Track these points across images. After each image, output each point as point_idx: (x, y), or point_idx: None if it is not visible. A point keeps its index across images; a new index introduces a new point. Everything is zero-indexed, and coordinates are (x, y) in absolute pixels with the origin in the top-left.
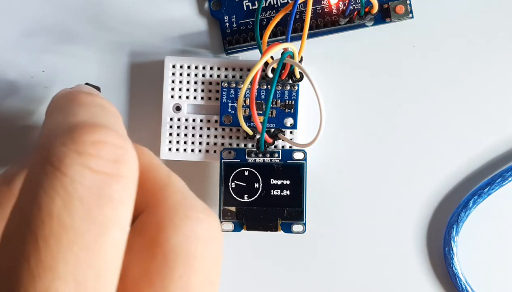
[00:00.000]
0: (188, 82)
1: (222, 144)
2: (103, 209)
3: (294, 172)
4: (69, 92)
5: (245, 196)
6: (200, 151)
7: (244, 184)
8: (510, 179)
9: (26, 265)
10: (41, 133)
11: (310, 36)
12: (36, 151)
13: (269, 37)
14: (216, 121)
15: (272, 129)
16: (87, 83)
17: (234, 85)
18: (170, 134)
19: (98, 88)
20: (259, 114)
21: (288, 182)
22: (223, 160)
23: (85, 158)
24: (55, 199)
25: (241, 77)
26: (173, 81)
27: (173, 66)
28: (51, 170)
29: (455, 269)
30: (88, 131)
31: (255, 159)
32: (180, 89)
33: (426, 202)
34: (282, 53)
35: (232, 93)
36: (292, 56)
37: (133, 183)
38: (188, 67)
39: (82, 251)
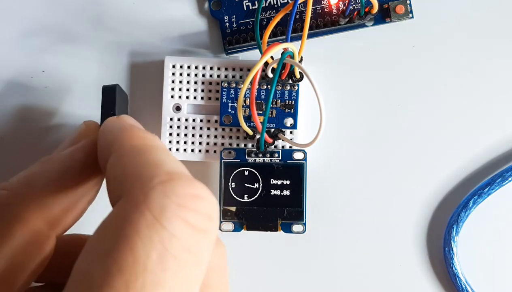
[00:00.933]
0: (188, 82)
1: (222, 144)
2: (194, 268)
3: (294, 172)
4: (133, 131)
5: (245, 196)
6: (200, 151)
7: (244, 184)
8: (510, 179)
9: None
10: (125, 173)
11: (310, 36)
12: (128, 192)
13: (269, 37)
14: (216, 121)
15: (272, 129)
16: (117, 85)
17: (234, 85)
18: (170, 134)
19: (127, 97)
20: (259, 114)
21: (288, 182)
22: (223, 160)
23: (186, 211)
24: (151, 251)
25: (241, 77)
26: (173, 81)
27: (173, 66)
28: (150, 219)
29: (455, 269)
30: (190, 184)
31: (255, 159)
32: (180, 89)
33: (426, 202)
34: (282, 53)
35: (232, 93)
36: (292, 56)
37: (214, 240)
38: (188, 67)
39: None
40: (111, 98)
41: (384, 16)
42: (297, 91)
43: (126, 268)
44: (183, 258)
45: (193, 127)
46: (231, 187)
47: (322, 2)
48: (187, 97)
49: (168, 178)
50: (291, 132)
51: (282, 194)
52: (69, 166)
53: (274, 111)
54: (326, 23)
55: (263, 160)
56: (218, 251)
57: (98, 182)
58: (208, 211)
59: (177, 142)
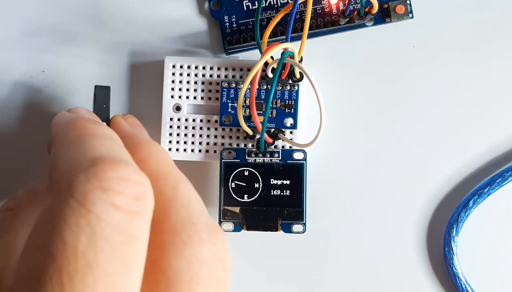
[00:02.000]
0: (188, 82)
1: (222, 144)
2: (127, 248)
3: (294, 172)
4: (75, 122)
5: (245, 196)
6: (200, 151)
7: (244, 184)
8: (510, 179)
9: None
10: (56, 166)
11: (310, 36)
12: (56, 185)
13: (269, 37)
14: (216, 121)
15: (272, 129)
16: (97, 86)
17: (234, 85)
18: (170, 134)
19: (108, 88)
20: (259, 114)
21: (288, 182)
22: (223, 160)
23: (110, 194)
24: (80, 236)
25: (241, 77)
26: (173, 81)
27: (173, 66)
28: (75, 206)
29: (455, 269)
30: (112, 167)
31: (255, 159)
32: (180, 89)
33: (426, 202)
34: (282, 53)
35: (232, 93)
36: (292, 56)
37: (150, 219)
38: (188, 67)
39: (108, 290)
40: (105, 98)
41: (384, 16)
42: (297, 91)
43: (57, 254)
44: (114, 239)
45: (193, 127)
46: (231, 187)
47: (322, 2)
48: (187, 97)
49: (91, 164)
50: (291, 132)
51: (282, 194)
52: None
53: (274, 111)
54: (326, 23)
55: (263, 160)
56: (212, 241)
57: None
58: (135, 192)
59: (177, 142)
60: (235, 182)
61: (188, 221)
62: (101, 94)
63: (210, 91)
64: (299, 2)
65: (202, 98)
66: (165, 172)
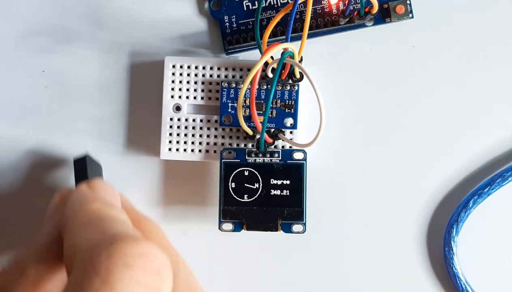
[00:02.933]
0: (188, 82)
1: (222, 144)
2: None
3: (294, 172)
4: (90, 205)
5: (245, 196)
6: (200, 151)
7: (244, 184)
8: (510, 179)
9: None
10: (75, 246)
11: (310, 36)
12: (77, 264)
13: (269, 37)
14: (216, 121)
15: (272, 129)
16: (87, 156)
17: (234, 85)
18: (170, 134)
19: (99, 165)
20: (259, 114)
21: (288, 182)
22: (223, 160)
23: (133, 270)
24: None
25: (241, 77)
26: (173, 81)
27: (173, 66)
28: (99, 283)
29: (455, 269)
30: (133, 243)
31: (255, 159)
32: (180, 89)
33: (426, 202)
34: (282, 53)
35: (232, 93)
36: (292, 56)
37: None
38: (188, 67)
39: None
40: (83, 169)
41: (384, 16)
42: (297, 91)
43: None
44: None
45: (193, 127)
46: (231, 187)
47: (322, 2)
48: (187, 97)
49: (113, 241)
50: (291, 132)
51: (282, 194)
52: (51, 242)
53: (274, 111)
54: (326, 23)
55: (263, 160)
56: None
57: None
58: (156, 267)
59: (177, 142)
60: (235, 182)
61: None
62: (79, 167)
63: (210, 91)
64: (299, 2)
65: (202, 98)
66: (166, 247)
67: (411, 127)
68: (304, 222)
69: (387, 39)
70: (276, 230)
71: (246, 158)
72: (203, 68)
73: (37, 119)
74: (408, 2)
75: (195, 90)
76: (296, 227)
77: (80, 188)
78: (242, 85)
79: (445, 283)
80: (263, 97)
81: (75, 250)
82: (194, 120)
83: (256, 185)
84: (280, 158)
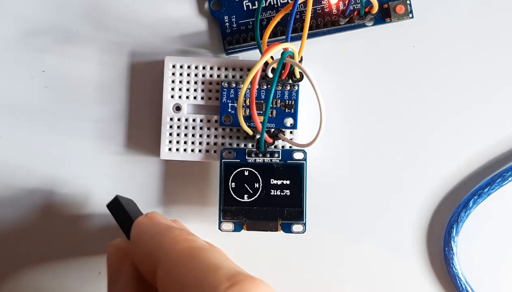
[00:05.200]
0: (188, 82)
1: (222, 144)
2: None
3: (294, 172)
4: (173, 233)
5: (245, 196)
6: (200, 151)
7: (244, 184)
8: (510, 179)
9: None
10: (183, 287)
11: (310, 36)
12: None
13: (269, 37)
14: (216, 121)
15: (272, 129)
16: (117, 196)
17: (234, 85)
18: (170, 134)
19: (131, 200)
20: (259, 114)
21: (288, 182)
22: (223, 160)
23: None
24: None
25: (241, 77)
26: (173, 81)
27: (173, 66)
28: None
29: (455, 269)
30: (253, 284)
31: (255, 159)
32: (180, 89)
33: (426, 202)
34: (282, 53)
35: (232, 93)
36: (292, 56)
37: None
38: (188, 67)
39: None
40: (121, 210)
41: (384, 16)
42: (297, 91)
43: None
44: None
45: (193, 127)
46: (231, 187)
47: (322, 2)
48: (187, 97)
49: (231, 283)
50: (291, 132)
51: (282, 194)
52: None
53: (274, 111)
54: (326, 23)
55: (263, 160)
56: None
57: None
58: None
59: (177, 142)
60: (235, 182)
61: None
62: (117, 210)
63: (210, 91)
64: (299, 2)
65: (202, 98)
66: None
67: (411, 127)
68: (304, 222)
69: (387, 39)
70: (276, 230)
71: (246, 158)
72: (203, 68)
73: (37, 119)
74: (408, 2)
75: (195, 90)
76: (296, 227)
77: (144, 228)
78: (242, 85)
79: (445, 283)
80: (263, 97)
81: (184, 288)
82: (194, 120)
83: (256, 185)
84: (280, 158)
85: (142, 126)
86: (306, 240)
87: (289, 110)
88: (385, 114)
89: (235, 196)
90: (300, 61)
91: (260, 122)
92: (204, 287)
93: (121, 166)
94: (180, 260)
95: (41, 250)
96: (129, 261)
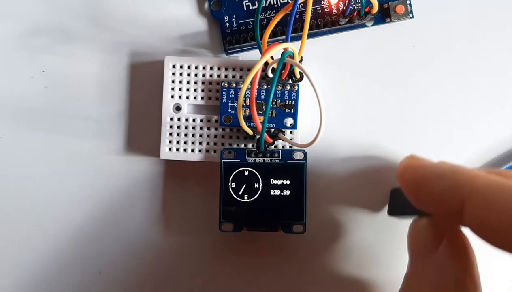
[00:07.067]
0: (188, 82)
1: (222, 144)
2: None
3: (294, 172)
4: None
5: (245, 196)
6: (200, 151)
7: (244, 184)
8: None
9: None
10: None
11: (310, 36)
12: None
13: (269, 37)
14: (216, 121)
15: (272, 129)
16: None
17: (234, 85)
18: (170, 134)
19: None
20: (259, 114)
21: (288, 182)
22: (223, 160)
23: None
24: None
25: (241, 77)
26: (173, 81)
27: (173, 66)
28: None
29: None
30: None
31: (255, 159)
32: (180, 89)
33: None
34: (282, 53)
35: (232, 93)
36: (292, 56)
37: None
38: (188, 67)
39: None
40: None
41: (384, 16)
42: (297, 91)
43: None
44: None
45: (193, 127)
46: (231, 187)
47: (322, 2)
48: (187, 97)
49: None
50: (291, 132)
51: (282, 194)
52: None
53: (274, 111)
54: (326, 23)
55: (263, 160)
56: None
57: None
58: None
59: (177, 142)
60: (235, 182)
61: None
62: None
63: (210, 91)
64: (299, 2)
65: (202, 98)
66: None
67: (411, 127)
68: (304, 222)
69: (387, 39)
70: (276, 230)
71: (246, 158)
72: (203, 68)
73: (37, 119)
74: (408, 2)
75: (195, 90)
76: (296, 227)
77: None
78: (242, 85)
79: None
80: (263, 97)
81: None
82: (194, 120)
83: (256, 185)
84: (280, 158)
85: (142, 126)
86: (306, 240)
87: (289, 110)
88: (385, 114)
89: (235, 196)
90: (300, 61)
91: (260, 122)
92: None
93: (121, 165)
94: (494, 191)
95: (41, 249)
96: (448, 233)
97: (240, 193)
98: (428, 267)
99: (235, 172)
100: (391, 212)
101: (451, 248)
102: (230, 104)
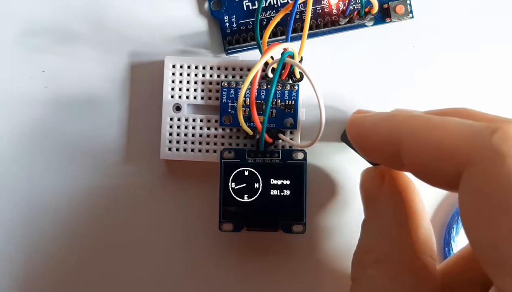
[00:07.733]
0: (188, 82)
1: (222, 144)
2: None
3: (294, 172)
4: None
5: (245, 196)
6: (200, 151)
7: (244, 184)
8: None
9: None
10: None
11: (310, 36)
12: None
13: (269, 37)
14: (216, 121)
15: (272, 129)
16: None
17: (234, 85)
18: (170, 134)
19: None
20: (259, 114)
21: (288, 182)
22: (223, 160)
23: None
24: None
25: (241, 77)
26: (173, 81)
27: (173, 66)
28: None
29: None
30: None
31: (255, 159)
32: (180, 89)
33: (426, 202)
34: (282, 53)
35: (232, 93)
36: (292, 56)
37: None
38: (188, 67)
39: None
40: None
41: (384, 16)
42: (297, 91)
43: None
44: None
45: (193, 127)
46: (231, 187)
47: (322, 2)
48: (187, 97)
49: (493, 130)
50: (291, 132)
51: (282, 194)
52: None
53: (274, 111)
54: (326, 23)
55: (263, 160)
56: None
57: None
58: None
59: (177, 142)
60: (235, 182)
61: None
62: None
63: (210, 91)
64: (299, 2)
65: (202, 98)
66: None
67: None
68: (304, 222)
69: (387, 39)
70: (276, 230)
71: (246, 158)
72: (203, 68)
73: (37, 119)
74: (408, 2)
75: (195, 90)
76: (296, 227)
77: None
78: (242, 85)
79: None
80: (263, 97)
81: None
82: (194, 120)
83: (256, 185)
84: (280, 158)
85: (142, 126)
86: (306, 240)
87: (289, 110)
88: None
89: (235, 196)
90: (300, 61)
91: (260, 122)
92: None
93: (121, 166)
94: (424, 131)
95: (40, 250)
96: (386, 177)
97: (240, 193)
98: (376, 213)
99: (235, 172)
100: (343, 139)
101: (388, 189)
102: (230, 104)
